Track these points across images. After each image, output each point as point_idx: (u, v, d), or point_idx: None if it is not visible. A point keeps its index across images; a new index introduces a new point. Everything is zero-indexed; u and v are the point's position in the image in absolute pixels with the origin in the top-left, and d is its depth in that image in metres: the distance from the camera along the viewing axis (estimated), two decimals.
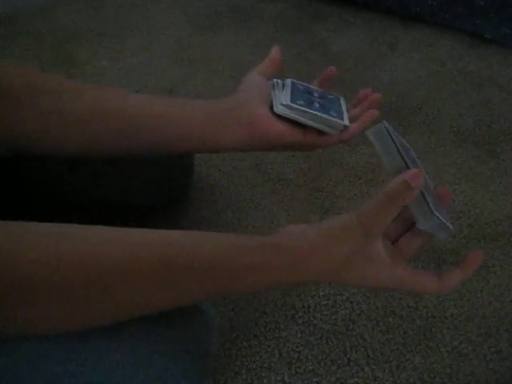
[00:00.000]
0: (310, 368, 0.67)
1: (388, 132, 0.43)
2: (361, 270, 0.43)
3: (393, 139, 0.43)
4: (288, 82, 0.58)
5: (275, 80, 0.58)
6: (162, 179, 0.74)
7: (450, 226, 0.45)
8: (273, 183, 0.92)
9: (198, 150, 0.58)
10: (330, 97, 0.60)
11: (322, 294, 0.75)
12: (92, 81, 1.16)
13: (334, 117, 0.56)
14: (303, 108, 0.54)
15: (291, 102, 0.54)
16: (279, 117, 0.54)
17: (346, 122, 0.57)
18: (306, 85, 0.60)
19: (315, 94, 0.58)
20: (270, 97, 0.56)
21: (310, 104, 0.55)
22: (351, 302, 0.74)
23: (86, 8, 1.42)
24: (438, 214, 0.42)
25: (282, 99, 0.54)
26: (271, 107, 0.55)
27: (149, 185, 0.73)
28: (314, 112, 0.54)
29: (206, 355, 0.47)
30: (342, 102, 0.61)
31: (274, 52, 0.64)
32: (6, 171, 0.61)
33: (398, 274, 0.44)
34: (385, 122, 0.44)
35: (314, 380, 0.66)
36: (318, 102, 0.56)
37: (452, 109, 1.07)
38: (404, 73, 1.16)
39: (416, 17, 1.29)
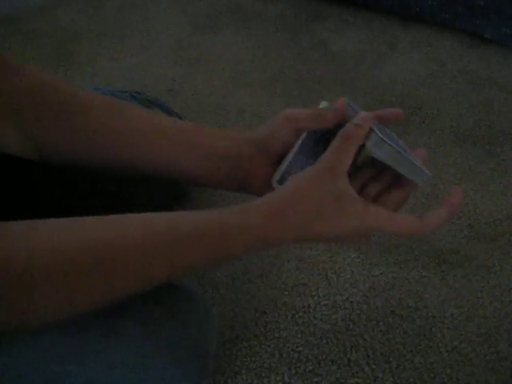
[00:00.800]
0: (310, 368, 0.67)
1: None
2: (334, 216, 0.43)
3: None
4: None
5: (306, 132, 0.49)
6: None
7: (417, 164, 0.46)
8: None
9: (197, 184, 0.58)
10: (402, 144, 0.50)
11: (321, 294, 0.75)
12: (92, 81, 1.16)
13: (419, 164, 0.47)
14: (394, 146, 0.45)
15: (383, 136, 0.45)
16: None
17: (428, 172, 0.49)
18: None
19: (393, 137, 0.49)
20: (287, 159, 0.49)
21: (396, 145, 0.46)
22: (351, 302, 0.74)
23: (86, 8, 1.42)
24: (389, 142, 0.44)
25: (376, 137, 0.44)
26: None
27: (149, 185, 0.73)
28: (404, 154, 0.45)
29: (206, 355, 0.48)
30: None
31: (331, 113, 0.48)
32: (9, 170, 0.61)
33: (373, 212, 0.45)
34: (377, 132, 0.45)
35: (314, 380, 0.66)
36: (400, 146, 0.47)
37: (452, 109, 1.07)
38: (404, 73, 1.16)
39: (416, 17, 1.29)
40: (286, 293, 0.75)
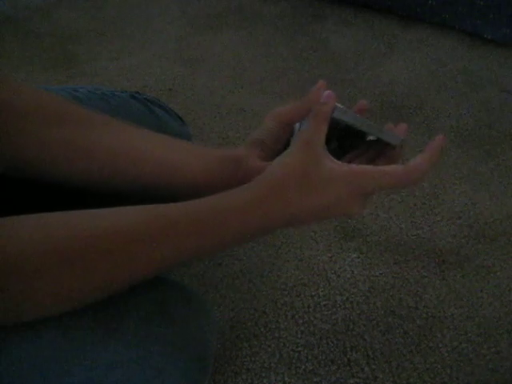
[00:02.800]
0: (310, 368, 0.67)
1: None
2: (320, 185, 0.44)
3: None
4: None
5: (297, 125, 0.52)
6: None
7: (386, 129, 0.50)
8: None
9: (191, 195, 0.58)
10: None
11: (321, 294, 0.75)
12: (92, 81, 1.16)
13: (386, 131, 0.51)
14: (358, 116, 0.49)
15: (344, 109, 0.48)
16: None
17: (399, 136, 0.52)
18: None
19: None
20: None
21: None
22: (351, 302, 0.74)
23: (86, 8, 1.42)
24: (348, 110, 0.48)
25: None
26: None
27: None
28: (369, 121, 0.49)
29: (206, 355, 0.47)
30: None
31: (314, 94, 0.50)
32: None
33: (357, 170, 0.45)
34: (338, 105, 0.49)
35: (314, 380, 0.66)
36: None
37: (452, 109, 1.07)
38: (404, 73, 1.16)
39: (416, 17, 1.30)
40: (286, 293, 0.75)
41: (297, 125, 0.52)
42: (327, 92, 0.49)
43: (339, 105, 0.49)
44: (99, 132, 0.52)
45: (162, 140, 0.56)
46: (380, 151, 0.53)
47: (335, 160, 0.46)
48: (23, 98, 0.49)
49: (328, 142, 0.48)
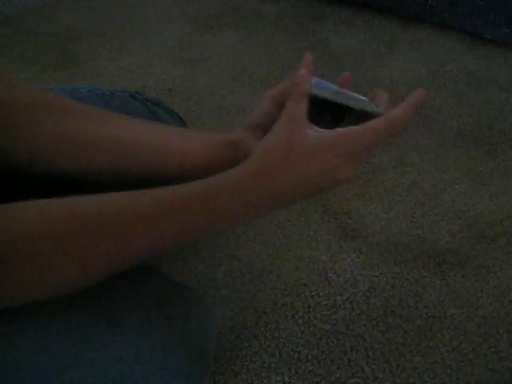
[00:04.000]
0: (310, 368, 0.67)
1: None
2: (307, 154, 0.45)
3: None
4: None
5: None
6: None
7: (364, 98, 0.52)
8: None
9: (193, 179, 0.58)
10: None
11: (321, 293, 0.75)
12: (92, 81, 1.16)
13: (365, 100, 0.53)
14: (338, 89, 0.52)
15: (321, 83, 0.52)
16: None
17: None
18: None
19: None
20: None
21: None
22: (351, 302, 0.74)
23: (86, 8, 1.42)
24: (329, 85, 0.51)
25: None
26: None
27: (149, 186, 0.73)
28: (346, 91, 0.52)
29: (206, 355, 0.47)
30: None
31: (303, 68, 0.54)
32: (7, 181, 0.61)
33: (342, 133, 0.46)
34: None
35: (314, 380, 0.66)
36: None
37: (452, 109, 1.07)
38: (404, 73, 1.16)
39: (416, 17, 1.30)
40: (286, 293, 0.75)
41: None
42: (303, 72, 0.51)
43: (320, 80, 0.52)
44: (96, 123, 0.52)
45: (160, 127, 0.56)
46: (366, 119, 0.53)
47: (319, 129, 0.47)
48: (18, 93, 0.49)
49: (321, 115, 0.51)
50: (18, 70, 1.19)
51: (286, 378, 0.66)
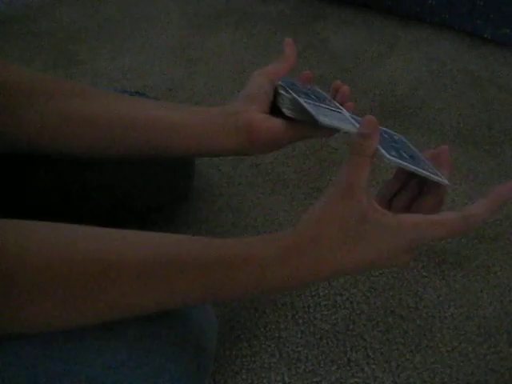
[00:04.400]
0: (310, 368, 0.67)
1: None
2: (363, 238, 0.38)
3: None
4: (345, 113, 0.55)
5: (280, 83, 0.58)
6: (162, 181, 0.74)
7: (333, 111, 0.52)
8: (273, 183, 0.92)
9: (197, 155, 0.57)
10: (397, 138, 0.52)
11: (321, 293, 0.75)
12: (92, 81, 1.16)
13: (430, 172, 0.46)
14: (405, 163, 0.43)
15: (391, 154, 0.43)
16: (285, 117, 0.54)
17: (445, 179, 0.48)
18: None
19: (394, 137, 0.50)
20: (278, 101, 0.56)
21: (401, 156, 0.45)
22: (351, 302, 0.74)
23: (86, 8, 1.42)
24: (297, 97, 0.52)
25: (383, 152, 0.42)
26: (272, 109, 0.56)
27: (149, 186, 0.73)
28: (414, 167, 0.44)
29: (206, 355, 0.47)
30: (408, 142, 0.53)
31: (287, 49, 0.61)
32: (10, 169, 0.61)
33: (407, 220, 0.39)
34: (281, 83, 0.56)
35: (314, 380, 0.66)
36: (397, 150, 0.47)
37: (452, 109, 1.07)
38: (404, 73, 1.16)
39: (416, 17, 1.30)
40: (286, 293, 0.75)
41: (278, 82, 0.58)
42: (368, 118, 0.41)
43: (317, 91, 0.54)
44: (99, 101, 0.53)
45: (159, 104, 0.57)
46: (425, 187, 0.48)
47: (380, 208, 0.40)
48: (20, 76, 0.50)
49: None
50: None
51: (286, 378, 0.66)
